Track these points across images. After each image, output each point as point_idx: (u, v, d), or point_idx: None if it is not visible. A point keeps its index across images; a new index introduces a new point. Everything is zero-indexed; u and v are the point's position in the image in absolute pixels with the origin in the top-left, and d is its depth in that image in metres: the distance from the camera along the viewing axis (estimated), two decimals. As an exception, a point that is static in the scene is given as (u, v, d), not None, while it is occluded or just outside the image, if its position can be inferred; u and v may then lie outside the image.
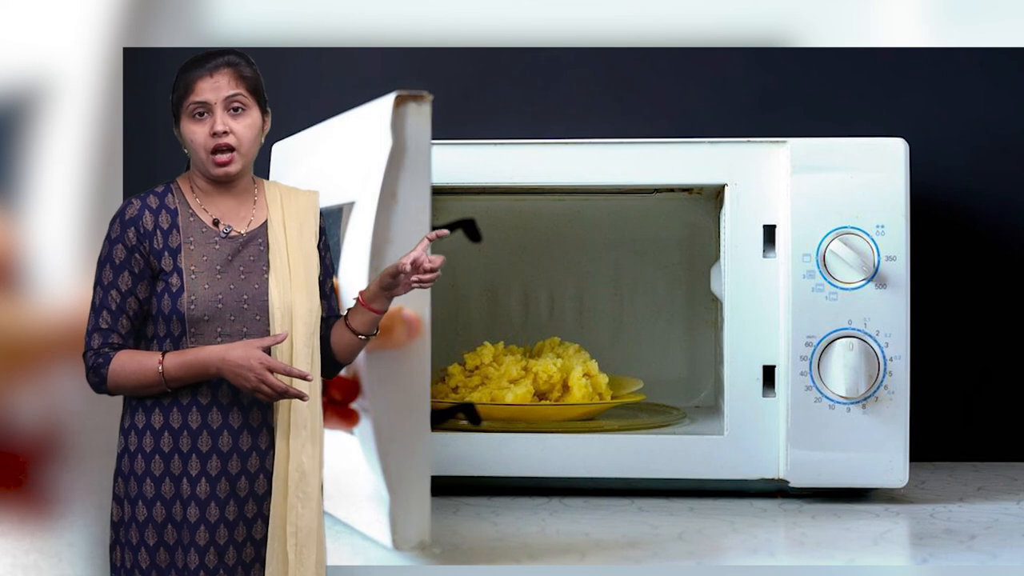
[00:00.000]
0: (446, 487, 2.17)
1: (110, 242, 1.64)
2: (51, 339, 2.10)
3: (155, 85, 2.40)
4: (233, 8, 2.49)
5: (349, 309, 1.71)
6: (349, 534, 1.92)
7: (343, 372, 1.87)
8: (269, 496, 1.66)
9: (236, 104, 1.65)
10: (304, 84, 2.60)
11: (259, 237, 1.68)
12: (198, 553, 1.62)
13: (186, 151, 1.69)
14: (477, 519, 2.06)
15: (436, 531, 1.86)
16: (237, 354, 1.60)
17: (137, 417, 1.64)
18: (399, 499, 1.79)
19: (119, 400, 1.68)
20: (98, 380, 1.63)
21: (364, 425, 1.82)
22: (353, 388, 1.84)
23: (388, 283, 1.67)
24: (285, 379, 1.62)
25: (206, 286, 1.64)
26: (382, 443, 1.79)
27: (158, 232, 1.64)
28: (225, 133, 1.64)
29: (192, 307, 1.63)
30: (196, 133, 1.65)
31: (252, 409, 1.65)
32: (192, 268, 1.64)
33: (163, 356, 1.62)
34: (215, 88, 1.64)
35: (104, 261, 1.64)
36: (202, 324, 1.63)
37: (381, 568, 1.81)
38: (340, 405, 1.85)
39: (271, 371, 1.60)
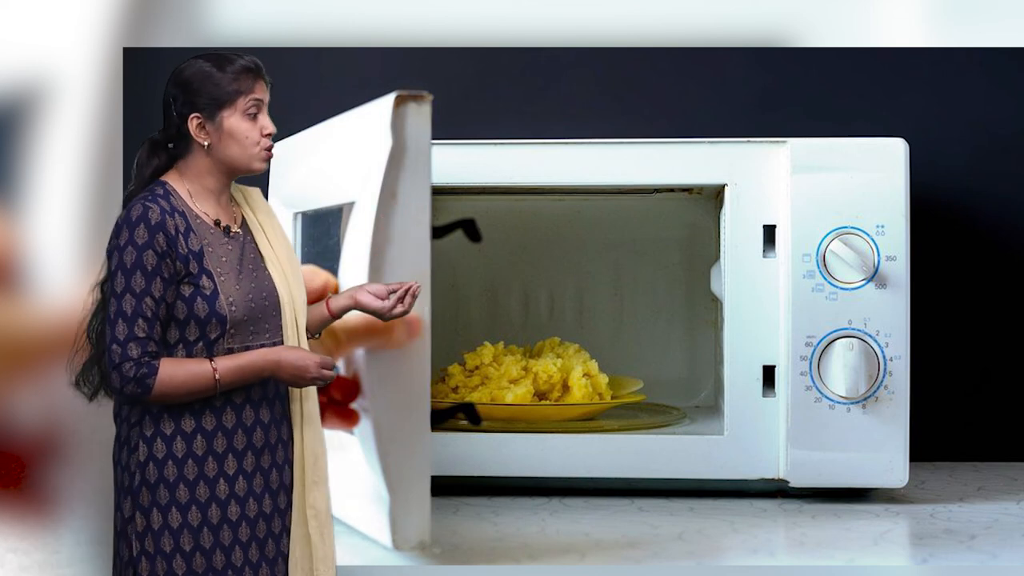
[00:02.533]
0: (446, 487, 2.17)
1: (137, 248, 1.61)
2: (51, 339, 2.09)
3: (155, 85, 2.40)
4: (233, 8, 2.49)
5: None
6: (349, 534, 1.92)
7: (343, 372, 1.87)
8: (291, 486, 1.68)
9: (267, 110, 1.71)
10: (304, 84, 2.60)
11: (248, 234, 1.70)
12: (242, 549, 1.62)
13: (206, 144, 1.66)
14: (477, 519, 2.06)
15: (436, 531, 1.86)
16: (293, 356, 1.64)
17: (163, 424, 1.62)
18: (399, 499, 1.79)
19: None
20: (141, 391, 1.60)
21: (364, 425, 1.82)
22: (353, 388, 1.84)
23: (368, 311, 1.74)
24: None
25: (236, 287, 1.64)
26: (382, 443, 1.79)
27: (179, 236, 1.63)
28: (272, 134, 1.69)
29: (233, 309, 1.63)
30: (250, 130, 1.67)
31: (276, 402, 1.66)
32: (218, 270, 1.64)
33: (213, 362, 1.62)
34: (265, 91, 1.69)
35: (133, 268, 1.60)
36: (241, 325, 1.63)
37: (381, 568, 1.81)
38: (340, 405, 1.85)
39: (324, 366, 1.65)
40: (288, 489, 1.67)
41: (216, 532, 1.62)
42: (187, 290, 1.62)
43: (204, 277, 1.63)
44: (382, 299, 1.73)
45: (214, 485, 1.62)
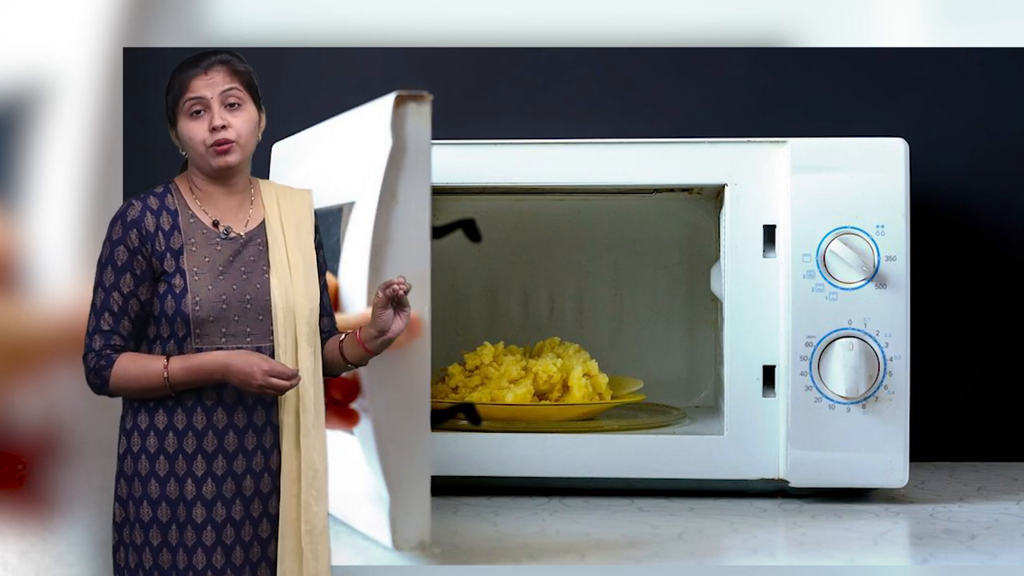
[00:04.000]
0: (446, 487, 2.17)
1: (111, 244, 1.64)
2: (51, 339, 2.09)
3: (155, 85, 2.40)
4: (233, 8, 2.49)
5: (346, 334, 1.71)
6: (349, 534, 1.92)
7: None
8: (274, 495, 1.67)
9: (232, 99, 1.66)
10: (304, 84, 2.60)
11: (258, 237, 1.69)
12: (205, 553, 1.63)
13: (184, 153, 1.69)
14: (477, 519, 2.06)
15: (436, 531, 1.86)
16: (240, 361, 1.61)
17: (140, 418, 1.64)
18: (399, 499, 1.79)
19: (119, 400, 1.68)
20: (99, 382, 1.63)
21: (364, 425, 1.82)
22: (353, 388, 1.84)
23: (382, 337, 1.68)
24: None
25: (209, 287, 1.64)
26: (382, 443, 1.79)
27: (160, 233, 1.64)
28: (224, 127, 1.65)
29: (197, 308, 1.63)
30: (195, 130, 1.65)
31: (257, 408, 1.66)
32: (195, 269, 1.64)
33: (167, 360, 1.62)
34: (210, 84, 1.65)
35: (105, 263, 1.64)
36: (207, 325, 1.63)
37: (381, 568, 1.81)
38: (340, 405, 1.86)
39: (273, 375, 1.61)
40: (264, 497, 1.66)
41: (182, 531, 1.63)
42: (161, 287, 1.64)
43: (178, 275, 1.64)
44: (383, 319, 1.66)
45: (183, 484, 1.63)
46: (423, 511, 1.78)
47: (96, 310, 1.63)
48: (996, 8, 2.47)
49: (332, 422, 1.84)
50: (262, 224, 1.70)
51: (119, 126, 2.32)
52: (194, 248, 1.65)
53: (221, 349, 1.64)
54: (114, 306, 1.63)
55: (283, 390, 1.62)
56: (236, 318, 1.65)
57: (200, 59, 1.66)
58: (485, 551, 1.87)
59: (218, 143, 1.65)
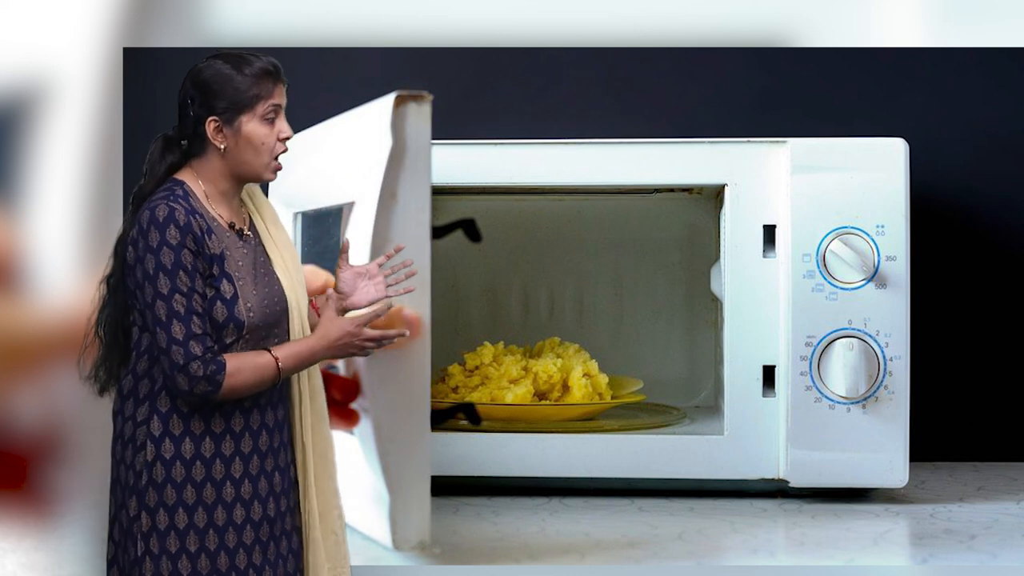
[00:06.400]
0: (446, 487, 2.17)
1: (173, 249, 1.59)
2: (51, 339, 2.09)
3: (155, 85, 2.41)
4: (233, 8, 2.49)
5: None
6: (349, 534, 1.91)
7: (343, 372, 1.87)
8: (294, 488, 1.68)
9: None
10: (304, 84, 2.60)
11: (256, 236, 1.69)
12: (246, 552, 1.62)
13: (221, 147, 1.65)
14: (477, 519, 2.06)
15: (436, 531, 1.86)
16: (334, 335, 1.65)
17: (172, 424, 1.61)
18: (399, 499, 1.79)
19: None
20: (212, 388, 1.59)
21: (364, 425, 1.82)
22: (353, 388, 1.84)
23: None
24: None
25: (254, 292, 1.63)
26: (382, 443, 1.79)
27: (205, 237, 1.62)
28: (287, 140, 1.67)
29: (251, 315, 1.62)
30: (268, 135, 1.65)
31: (279, 406, 1.66)
32: (237, 274, 1.63)
33: (272, 352, 1.62)
34: (282, 95, 1.67)
35: (175, 267, 1.59)
36: (256, 331, 1.62)
37: (381, 568, 1.81)
38: (340, 405, 1.86)
39: (367, 328, 1.66)
40: (288, 492, 1.67)
41: (221, 534, 1.61)
42: (208, 292, 1.61)
43: (225, 281, 1.62)
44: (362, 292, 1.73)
45: (220, 488, 1.62)
46: (423, 511, 1.78)
47: (181, 317, 1.59)
48: (996, 8, 2.47)
49: (332, 422, 1.83)
50: (252, 223, 1.70)
51: (119, 126, 2.32)
52: (229, 252, 1.63)
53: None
54: (198, 308, 1.60)
55: (381, 344, 1.67)
56: (273, 321, 1.65)
57: (271, 62, 1.66)
58: (485, 551, 1.87)
59: (281, 154, 1.66)
